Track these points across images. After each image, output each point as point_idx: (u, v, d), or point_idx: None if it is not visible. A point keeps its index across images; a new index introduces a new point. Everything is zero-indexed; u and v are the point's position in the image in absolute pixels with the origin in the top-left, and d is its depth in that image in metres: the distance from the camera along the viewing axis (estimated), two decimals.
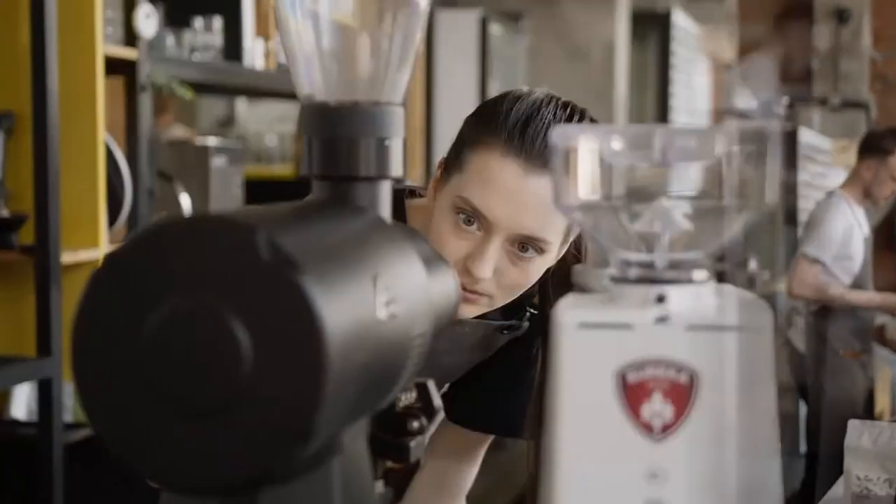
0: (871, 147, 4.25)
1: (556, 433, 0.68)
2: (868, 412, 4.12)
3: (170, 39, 2.91)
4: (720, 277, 0.71)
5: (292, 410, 0.59)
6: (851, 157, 8.70)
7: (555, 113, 1.26)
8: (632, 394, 0.67)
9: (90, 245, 2.48)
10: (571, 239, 1.30)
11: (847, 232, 4.20)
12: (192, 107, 4.03)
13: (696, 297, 0.70)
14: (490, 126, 1.24)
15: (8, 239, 2.33)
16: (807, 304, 4.30)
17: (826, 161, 8.13)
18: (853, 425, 1.89)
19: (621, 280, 0.71)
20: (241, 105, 5.40)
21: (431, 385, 0.86)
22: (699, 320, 0.68)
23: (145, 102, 2.63)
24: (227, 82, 3.16)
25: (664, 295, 0.69)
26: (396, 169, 0.82)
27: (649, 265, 0.71)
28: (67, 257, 2.39)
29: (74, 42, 2.45)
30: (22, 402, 2.59)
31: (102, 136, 2.48)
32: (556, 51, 5.48)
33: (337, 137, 0.80)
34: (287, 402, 0.59)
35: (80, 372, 0.65)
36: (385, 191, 0.82)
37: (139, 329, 0.62)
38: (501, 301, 1.27)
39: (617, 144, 0.71)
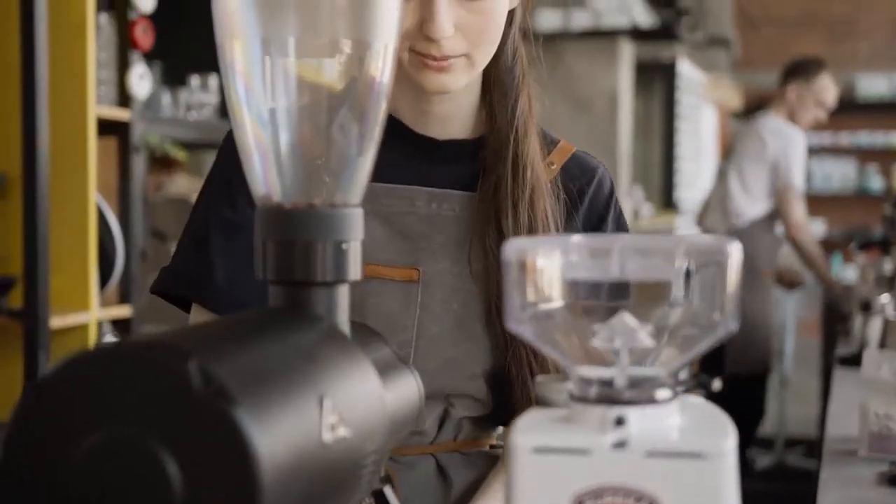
0: (796, 72, 4.39)
1: None
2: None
3: (165, 98, 2.90)
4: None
5: None
6: (724, 91, 8.80)
7: None
8: None
9: (81, 308, 2.46)
10: None
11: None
12: (197, 157, 4.02)
13: (658, 419, 0.67)
14: None
15: None
16: (726, 221, 4.33)
17: (700, 93, 8.20)
18: (870, 355, 1.69)
19: (580, 399, 0.68)
20: None
21: (388, 491, 0.83)
22: (660, 446, 0.65)
23: (138, 163, 2.61)
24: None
25: (623, 417, 0.66)
26: (355, 272, 0.79)
27: (609, 383, 0.68)
28: (57, 321, 2.37)
29: (67, 103, 2.44)
30: None
31: (94, 197, 2.46)
32: (560, 102, 5.47)
33: (293, 241, 0.78)
34: None
35: (7, 498, 0.62)
36: (343, 295, 0.80)
37: (67, 459, 0.59)
38: (481, 57, 1.17)
39: (574, 257, 0.68)
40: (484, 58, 1.17)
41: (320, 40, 0.77)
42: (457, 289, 1.19)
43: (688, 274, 0.67)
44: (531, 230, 1.17)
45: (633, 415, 0.66)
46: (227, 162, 1.22)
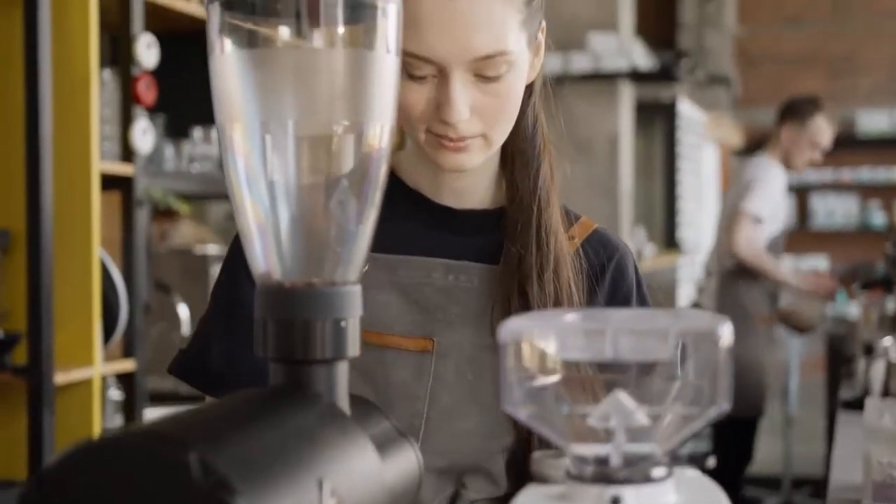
0: (790, 112, 4.35)
1: None
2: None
3: (169, 150, 2.93)
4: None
5: None
6: (724, 130, 8.81)
7: None
8: None
9: (84, 364, 2.47)
10: (540, 33, 1.19)
11: (781, 194, 4.30)
12: (200, 207, 4.04)
13: (654, 497, 0.67)
14: None
15: (1, 359, 2.32)
16: (720, 263, 4.30)
17: (700, 132, 8.23)
18: (872, 404, 1.71)
19: (576, 478, 0.68)
20: None
21: None
22: None
23: (141, 217, 2.63)
24: (225, 192, 3.16)
25: (619, 497, 0.67)
26: (353, 349, 0.80)
27: (604, 461, 0.69)
28: (61, 377, 2.38)
29: (71, 158, 2.46)
30: None
31: (97, 252, 2.48)
32: (560, 144, 5.51)
33: (292, 319, 0.79)
34: None
35: None
36: (342, 372, 0.80)
37: None
38: (498, 136, 1.15)
39: (568, 338, 0.69)
40: (501, 136, 1.16)
41: (318, 122, 0.79)
42: (473, 359, 1.18)
43: (682, 353, 0.68)
44: (557, 300, 1.16)
45: (629, 494, 0.67)
46: (234, 256, 1.24)
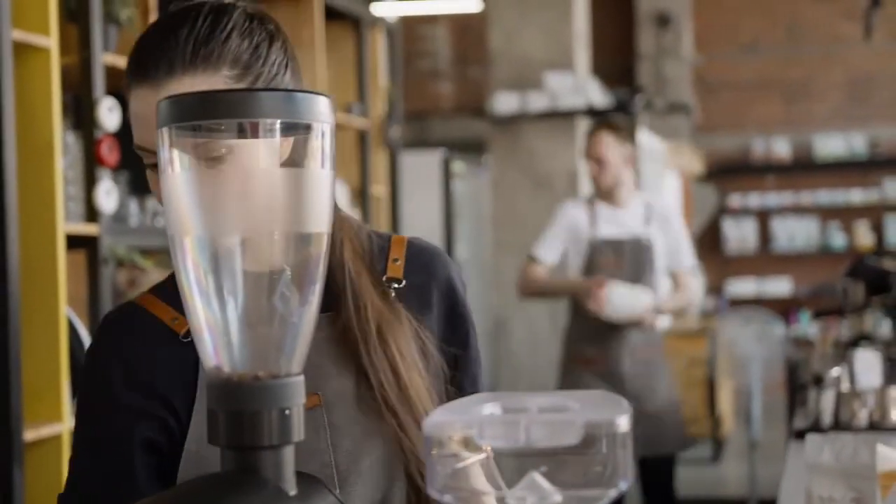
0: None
1: None
2: None
3: (133, 207, 3.00)
4: None
5: None
6: (685, 157, 8.93)
7: (174, 15, 1.21)
8: None
9: (53, 420, 2.53)
10: None
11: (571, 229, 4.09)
12: (165, 257, 4.10)
13: None
14: (126, 70, 1.21)
15: None
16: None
17: (661, 161, 8.36)
18: (812, 439, 1.75)
19: None
20: None
21: None
22: None
23: (106, 275, 2.70)
24: None
25: None
26: (298, 433, 0.88)
27: None
28: (30, 434, 2.43)
29: (36, 220, 2.53)
30: None
31: (64, 311, 2.54)
32: (520, 181, 5.60)
33: (241, 410, 0.87)
34: None
35: None
36: (288, 455, 0.88)
37: None
38: None
39: (486, 430, 0.77)
40: None
41: (261, 232, 0.87)
42: (359, 399, 1.23)
43: (588, 439, 0.77)
44: (392, 366, 1.22)
45: None
46: (98, 374, 1.25)
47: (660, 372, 4.11)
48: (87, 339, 2.62)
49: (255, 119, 0.86)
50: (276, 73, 1.22)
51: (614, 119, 4.19)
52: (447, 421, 0.77)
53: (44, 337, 2.51)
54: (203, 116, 0.86)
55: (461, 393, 1.27)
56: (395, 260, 1.30)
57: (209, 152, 1.00)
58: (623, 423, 0.75)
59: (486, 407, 0.80)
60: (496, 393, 0.86)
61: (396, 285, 1.28)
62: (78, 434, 1.25)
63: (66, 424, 2.56)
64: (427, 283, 1.31)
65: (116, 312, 1.29)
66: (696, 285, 4.18)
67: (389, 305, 1.26)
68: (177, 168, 0.87)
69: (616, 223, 4.04)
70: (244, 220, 0.87)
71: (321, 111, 0.88)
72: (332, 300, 1.24)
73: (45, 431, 2.49)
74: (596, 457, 0.76)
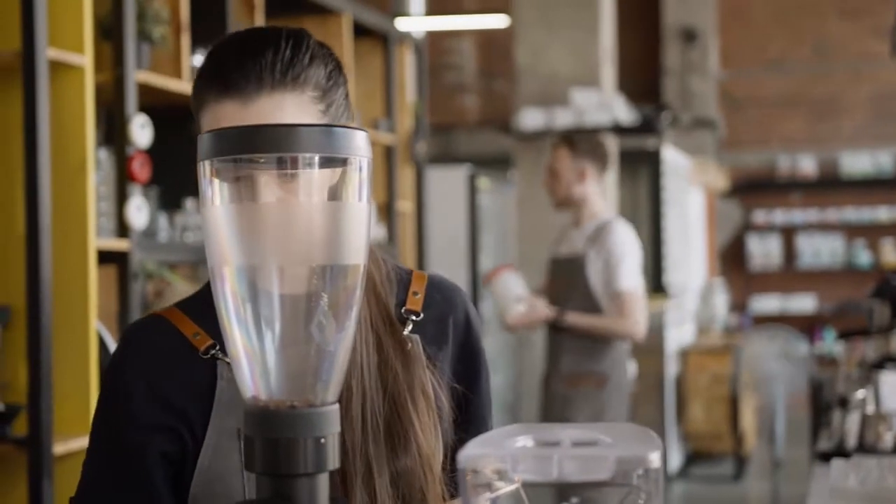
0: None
1: None
2: None
3: (163, 222, 3.03)
4: None
5: None
6: (708, 174, 8.87)
7: (254, 33, 1.23)
8: None
9: (83, 433, 2.55)
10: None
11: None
12: (195, 270, 4.13)
13: None
14: (199, 81, 1.22)
15: (2, 431, 2.40)
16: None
17: (686, 176, 8.33)
18: (837, 465, 1.78)
19: None
20: None
21: None
22: None
23: (136, 290, 2.73)
24: None
25: None
26: (333, 461, 0.90)
27: None
28: (60, 448, 2.46)
29: (69, 236, 2.56)
30: None
31: (94, 325, 2.57)
32: (546, 197, 5.60)
33: (277, 438, 0.88)
34: None
35: None
36: (323, 483, 0.90)
37: None
38: None
39: (519, 464, 0.79)
40: None
41: (299, 264, 0.89)
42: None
43: (621, 473, 0.78)
44: (394, 397, 1.23)
45: None
46: (119, 385, 1.26)
47: (586, 402, 3.94)
48: None
49: (294, 153, 0.88)
50: (343, 100, 1.26)
51: (581, 137, 4.13)
52: (481, 454, 0.79)
53: (75, 351, 2.54)
54: (244, 151, 0.88)
55: (467, 436, 1.24)
56: (415, 294, 1.32)
57: (249, 186, 1.02)
58: (655, 458, 0.77)
59: (518, 440, 0.81)
60: (528, 424, 0.87)
61: (414, 318, 1.30)
62: (93, 441, 1.27)
63: None
64: (444, 319, 1.33)
65: (140, 324, 1.32)
66: (638, 315, 3.91)
67: (399, 337, 1.27)
68: (216, 201, 0.89)
69: (568, 243, 4.04)
70: (282, 252, 0.89)
71: (359, 145, 0.90)
72: None
73: (75, 445, 2.51)
74: (628, 491, 0.78)
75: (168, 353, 1.27)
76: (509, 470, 0.78)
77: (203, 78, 1.22)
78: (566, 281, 3.97)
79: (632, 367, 4.11)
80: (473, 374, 1.35)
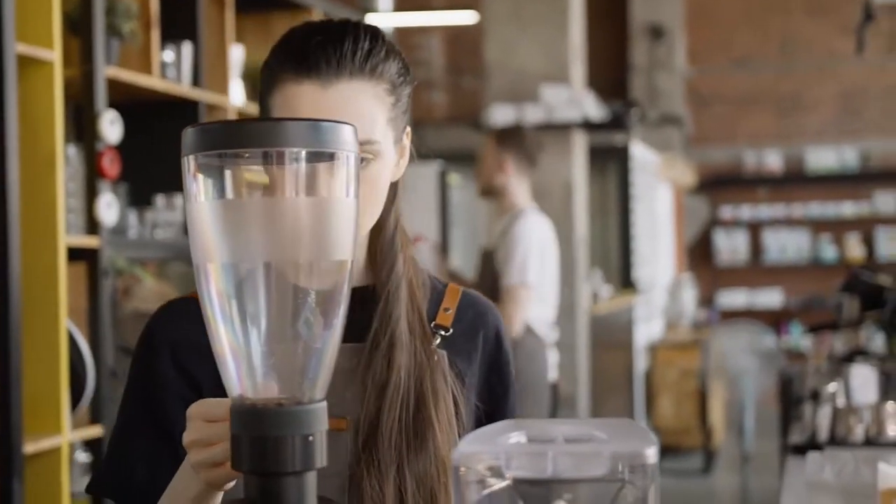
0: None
1: None
2: None
3: (132, 218, 3.00)
4: None
5: None
6: (676, 170, 8.94)
7: (333, 23, 1.24)
8: None
9: (53, 432, 2.53)
10: (406, 137, 1.28)
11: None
12: (165, 267, 4.10)
13: None
14: (275, 60, 1.21)
15: None
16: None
17: (654, 172, 8.39)
18: (813, 458, 1.78)
19: None
20: None
21: None
22: None
23: (106, 287, 2.70)
24: (188, 256, 3.23)
25: None
26: (321, 460, 0.89)
27: None
28: (30, 447, 2.43)
29: (38, 232, 2.53)
30: None
31: (64, 323, 2.54)
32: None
33: (265, 437, 0.87)
34: None
35: None
36: (311, 481, 0.89)
37: None
38: (364, 222, 1.21)
39: (513, 461, 0.78)
40: (366, 223, 1.23)
41: (285, 260, 0.88)
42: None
43: (616, 470, 0.77)
44: (384, 383, 1.22)
45: None
46: (149, 348, 1.26)
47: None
48: (86, 350, 2.62)
49: (280, 148, 0.86)
50: (407, 99, 1.27)
51: (509, 131, 4.16)
52: (475, 451, 0.78)
53: (44, 349, 2.51)
54: (229, 145, 0.87)
55: None
56: (447, 309, 1.32)
57: (234, 181, 1.01)
58: (650, 454, 0.76)
59: (512, 436, 0.81)
60: (521, 420, 0.86)
61: (444, 333, 1.30)
62: (122, 410, 1.27)
63: (65, 437, 2.56)
64: (475, 334, 1.33)
65: (175, 300, 1.31)
66: (510, 310, 3.73)
67: (427, 350, 1.26)
68: (201, 197, 0.87)
69: (491, 235, 4.08)
70: (268, 247, 0.87)
71: (346, 140, 0.89)
72: (364, 331, 1.25)
73: (46, 444, 2.48)
74: (622, 487, 0.77)
75: (200, 329, 1.25)
76: (503, 467, 0.77)
77: (280, 57, 1.21)
78: (483, 273, 3.97)
79: (552, 358, 4.01)
80: (502, 392, 1.35)
